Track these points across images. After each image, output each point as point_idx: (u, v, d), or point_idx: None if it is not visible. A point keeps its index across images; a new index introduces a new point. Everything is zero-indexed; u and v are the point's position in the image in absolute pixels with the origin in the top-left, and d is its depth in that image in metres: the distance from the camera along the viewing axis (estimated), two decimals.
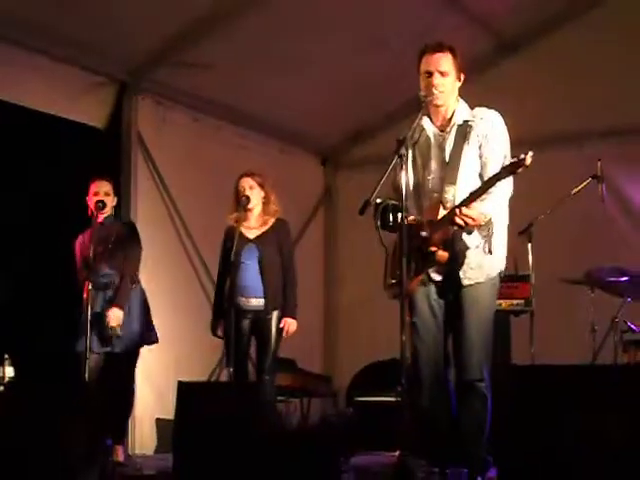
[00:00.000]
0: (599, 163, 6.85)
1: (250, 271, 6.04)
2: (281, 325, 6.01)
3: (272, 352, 6.01)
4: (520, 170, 4.06)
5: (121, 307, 6.00)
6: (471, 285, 4.42)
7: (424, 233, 4.35)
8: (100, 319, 5.93)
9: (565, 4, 7.97)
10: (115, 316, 5.96)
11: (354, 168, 9.26)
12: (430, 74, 4.42)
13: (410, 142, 4.42)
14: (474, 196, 4.22)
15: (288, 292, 6.09)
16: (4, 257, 6.89)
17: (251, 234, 6.12)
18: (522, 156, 4.05)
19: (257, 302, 6.03)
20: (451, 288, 4.44)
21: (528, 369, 4.60)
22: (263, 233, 6.14)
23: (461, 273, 4.39)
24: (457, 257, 4.39)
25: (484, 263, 4.43)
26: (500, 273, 4.56)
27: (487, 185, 4.19)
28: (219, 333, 6.09)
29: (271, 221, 6.17)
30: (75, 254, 6.19)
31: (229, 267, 5.97)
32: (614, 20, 7.73)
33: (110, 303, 6.00)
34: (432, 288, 4.50)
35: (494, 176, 4.17)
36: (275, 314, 6.02)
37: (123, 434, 6.32)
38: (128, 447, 6.90)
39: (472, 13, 7.65)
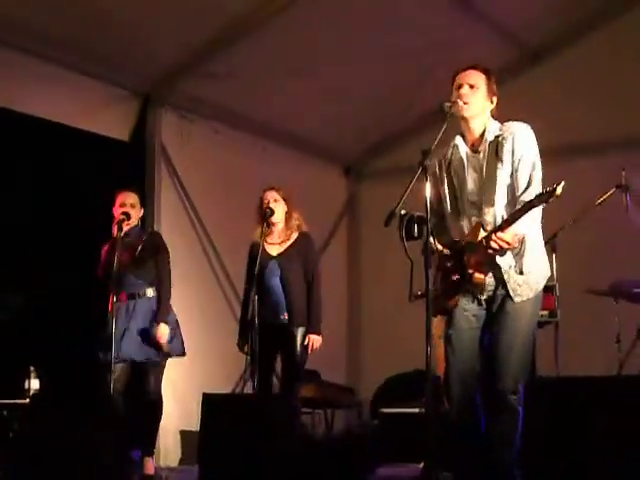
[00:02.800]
0: (623, 172, 6.82)
1: (273, 288, 6.01)
2: (306, 342, 5.98)
3: (297, 369, 5.99)
4: (551, 200, 4.09)
5: (165, 322, 6.05)
6: (522, 301, 4.42)
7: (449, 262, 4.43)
8: (134, 331, 5.99)
9: (588, 14, 7.94)
10: (162, 333, 6.02)
11: (378, 179, 9.27)
12: (460, 87, 4.49)
13: (444, 161, 4.55)
14: (508, 222, 4.25)
15: (312, 308, 6.04)
16: (27, 270, 6.93)
17: (273, 250, 6.08)
18: (554, 186, 4.07)
19: (281, 318, 5.99)
20: (497, 306, 4.44)
21: (555, 381, 4.59)
22: (285, 250, 6.09)
23: (511, 292, 4.39)
24: (499, 278, 4.40)
25: (529, 280, 4.44)
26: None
27: (521, 212, 4.22)
28: (246, 350, 5.98)
29: (294, 236, 6.13)
30: (100, 261, 6.21)
31: (254, 284, 5.92)
32: (637, 29, 7.70)
33: (154, 320, 6.04)
34: (473, 305, 4.49)
35: (527, 204, 4.19)
36: (300, 331, 5.98)
37: (153, 446, 6.26)
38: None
39: (493, 23, 7.64)
